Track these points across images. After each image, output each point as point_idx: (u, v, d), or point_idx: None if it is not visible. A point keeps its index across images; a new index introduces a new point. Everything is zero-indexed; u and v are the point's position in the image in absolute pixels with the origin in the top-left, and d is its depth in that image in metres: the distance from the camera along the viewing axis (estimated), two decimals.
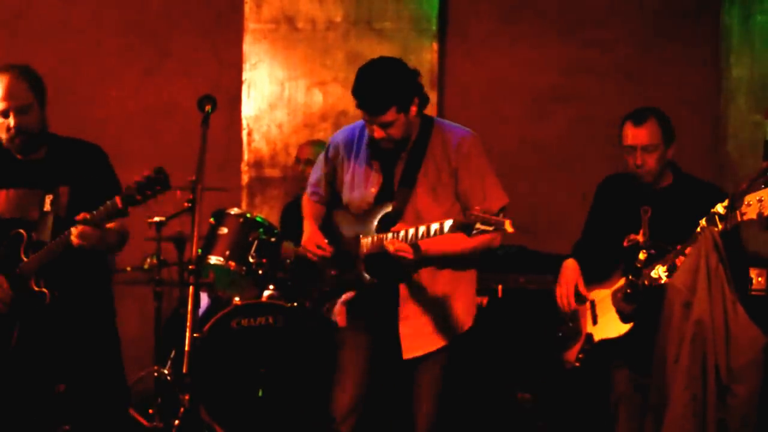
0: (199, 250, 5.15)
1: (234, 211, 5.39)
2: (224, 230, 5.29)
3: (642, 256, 3.87)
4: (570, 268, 4.29)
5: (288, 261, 5.31)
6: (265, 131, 6.41)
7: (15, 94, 3.77)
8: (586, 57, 6.25)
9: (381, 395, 4.21)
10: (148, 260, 5.57)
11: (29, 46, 6.33)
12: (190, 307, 3.54)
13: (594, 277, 4.27)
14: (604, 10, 6.28)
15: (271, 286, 5.32)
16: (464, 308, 3.96)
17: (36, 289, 3.77)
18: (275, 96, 6.40)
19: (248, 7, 6.40)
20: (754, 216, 3.47)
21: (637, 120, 4.17)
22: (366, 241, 3.84)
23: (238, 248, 5.26)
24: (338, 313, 3.97)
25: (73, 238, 3.65)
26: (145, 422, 5.11)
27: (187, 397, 4.85)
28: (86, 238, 3.64)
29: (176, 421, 4.97)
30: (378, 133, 3.77)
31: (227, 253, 5.25)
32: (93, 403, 3.91)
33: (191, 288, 3.57)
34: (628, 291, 3.99)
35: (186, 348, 3.53)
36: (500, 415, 5.19)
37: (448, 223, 3.52)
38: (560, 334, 4.33)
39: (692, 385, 3.54)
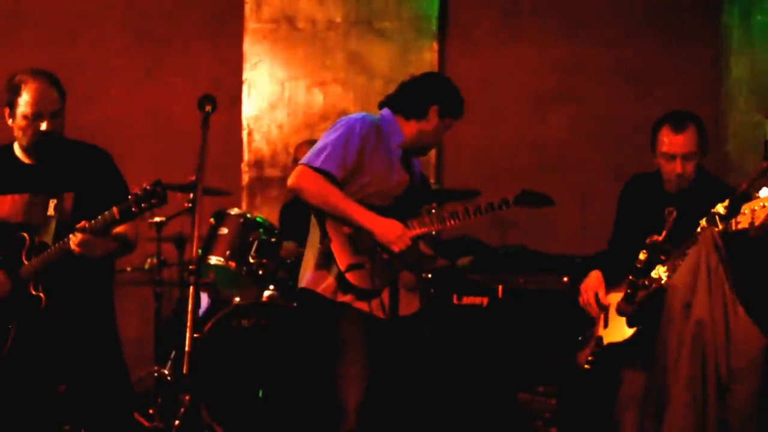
0: (200, 251, 5.15)
1: (234, 211, 5.40)
2: (224, 230, 5.29)
3: (642, 256, 3.85)
4: (592, 276, 4.20)
5: (289, 261, 5.31)
6: (265, 131, 6.41)
7: (49, 99, 3.76)
8: (586, 57, 6.25)
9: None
10: (149, 261, 5.57)
11: (29, 47, 6.33)
12: (190, 307, 3.54)
13: (615, 281, 4.19)
14: (604, 9, 6.29)
15: (271, 286, 5.32)
16: None
17: (33, 293, 3.76)
18: (275, 96, 6.39)
19: (248, 7, 6.40)
20: (746, 225, 3.47)
21: (677, 126, 3.99)
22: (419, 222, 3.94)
23: (239, 248, 5.26)
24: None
25: (73, 246, 3.62)
26: (145, 422, 5.11)
27: (187, 397, 4.85)
28: (86, 246, 3.61)
29: (176, 421, 4.97)
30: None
31: (227, 253, 5.25)
32: (96, 405, 3.90)
33: (191, 288, 3.56)
34: (629, 291, 3.98)
35: (186, 348, 3.53)
36: (500, 416, 5.18)
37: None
38: (580, 338, 4.29)
39: (692, 385, 3.53)
